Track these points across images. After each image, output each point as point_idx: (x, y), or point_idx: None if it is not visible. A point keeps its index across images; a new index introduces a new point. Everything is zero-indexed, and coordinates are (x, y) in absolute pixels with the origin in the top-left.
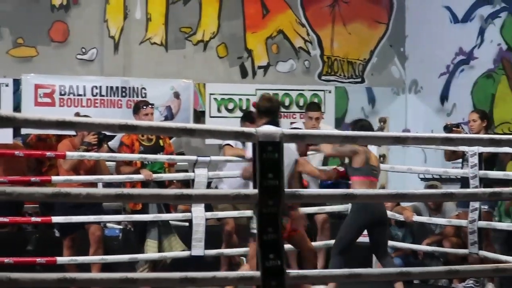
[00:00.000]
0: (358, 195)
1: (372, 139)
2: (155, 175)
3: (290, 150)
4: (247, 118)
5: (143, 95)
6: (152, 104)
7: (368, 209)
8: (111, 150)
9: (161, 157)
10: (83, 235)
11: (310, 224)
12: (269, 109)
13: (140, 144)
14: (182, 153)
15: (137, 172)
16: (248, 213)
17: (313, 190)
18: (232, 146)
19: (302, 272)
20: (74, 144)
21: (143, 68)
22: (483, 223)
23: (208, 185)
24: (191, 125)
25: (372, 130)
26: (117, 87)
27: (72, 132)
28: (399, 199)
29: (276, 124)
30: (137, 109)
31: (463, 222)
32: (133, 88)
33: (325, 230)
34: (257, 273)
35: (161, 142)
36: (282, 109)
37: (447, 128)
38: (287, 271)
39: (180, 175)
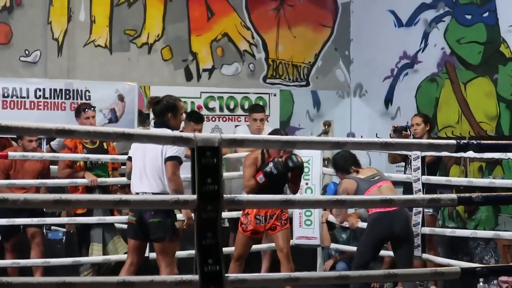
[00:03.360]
0: (296, 201)
1: (312, 144)
2: (99, 179)
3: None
4: (191, 118)
5: (87, 97)
6: (94, 107)
7: (383, 223)
8: (53, 150)
9: (103, 157)
10: (25, 238)
11: None
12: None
13: (84, 147)
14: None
15: (76, 174)
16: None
17: (252, 196)
18: None
19: (241, 276)
20: None
21: (87, 70)
22: (426, 229)
23: None
24: (129, 130)
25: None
26: (60, 90)
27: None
28: (339, 206)
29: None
30: (79, 112)
31: None
32: (77, 90)
33: None
34: (196, 277)
35: (104, 145)
36: (227, 112)
37: (398, 131)
38: (225, 275)
39: (124, 180)
